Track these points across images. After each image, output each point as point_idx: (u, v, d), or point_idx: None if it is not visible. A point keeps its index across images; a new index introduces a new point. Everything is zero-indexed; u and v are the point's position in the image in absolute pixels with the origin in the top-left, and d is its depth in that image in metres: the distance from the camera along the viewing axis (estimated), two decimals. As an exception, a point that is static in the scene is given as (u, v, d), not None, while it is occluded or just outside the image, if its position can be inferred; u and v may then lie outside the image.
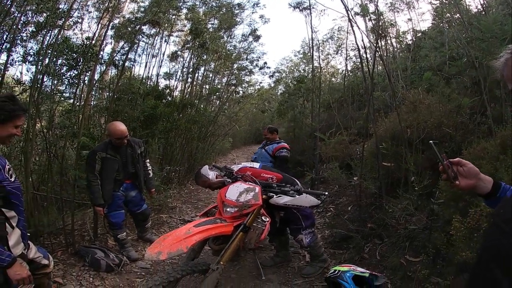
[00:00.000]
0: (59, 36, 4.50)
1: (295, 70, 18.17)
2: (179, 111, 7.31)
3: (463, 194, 2.69)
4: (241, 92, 10.51)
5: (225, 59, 9.23)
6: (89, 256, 3.51)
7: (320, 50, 9.95)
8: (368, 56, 7.46)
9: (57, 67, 4.20)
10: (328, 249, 3.91)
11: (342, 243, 3.96)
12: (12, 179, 1.84)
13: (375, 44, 4.67)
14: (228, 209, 2.51)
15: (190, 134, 7.85)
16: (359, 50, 4.61)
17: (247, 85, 11.42)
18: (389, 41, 9.27)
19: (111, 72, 7.48)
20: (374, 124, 4.47)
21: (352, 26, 4.59)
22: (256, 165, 3.39)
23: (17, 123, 1.84)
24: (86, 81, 5.28)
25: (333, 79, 11.86)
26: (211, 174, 3.22)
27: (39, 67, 3.87)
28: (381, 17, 7.43)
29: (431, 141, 1.25)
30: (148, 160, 4.11)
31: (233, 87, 10.02)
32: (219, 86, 9.99)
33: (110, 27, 6.38)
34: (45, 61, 3.94)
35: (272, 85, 13.07)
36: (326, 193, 2.79)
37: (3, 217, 1.79)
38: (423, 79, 4.90)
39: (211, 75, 9.51)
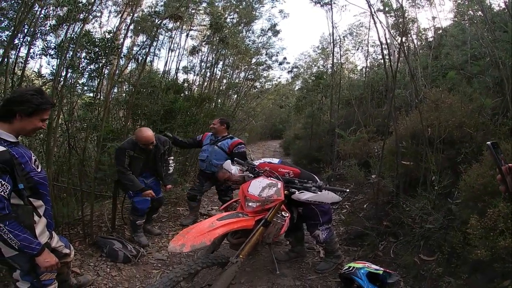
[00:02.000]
0: (81, 30, 4.62)
1: (313, 65, 18.05)
2: (197, 106, 7.38)
3: (482, 195, 2.67)
4: (258, 86, 10.48)
5: (244, 54, 9.24)
6: (107, 247, 3.57)
7: (339, 46, 9.84)
8: (389, 52, 7.34)
9: (78, 61, 4.29)
10: (342, 245, 3.92)
11: (356, 240, 3.97)
12: (39, 170, 1.91)
13: (399, 42, 4.60)
14: (250, 204, 2.56)
15: (208, 128, 7.93)
16: (381, 47, 4.58)
17: (264, 80, 11.40)
18: (409, 38, 9.09)
19: (131, 66, 7.63)
20: (395, 122, 4.41)
21: (375, 23, 4.57)
22: (276, 160, 3.40)
23: (43, 117, 1.89)
24: (106, 75, 5.41)
25: (352, 75, 11.73)
26: (234, 169, 3.21)
27: (62, 60, 3.99)
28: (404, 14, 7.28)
29: (488, 142, 1.04)
30: (171, 157, 4.20)
31: (251, 82, 10.01)
32: (237, 81, 10.01)
33: (131, 21, 6.50)
34: (67, 54, 4.05)
35: (290, 80, 13.00)
36: (347, 190, 2.78)
37: (31, 206, 1.84)
38: (446, 78, 4.79)
39: (229, 70, 9.55)
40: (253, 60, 9.88)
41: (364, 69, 9.54)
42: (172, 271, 2.05)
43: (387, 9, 5.50)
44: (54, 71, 4.52)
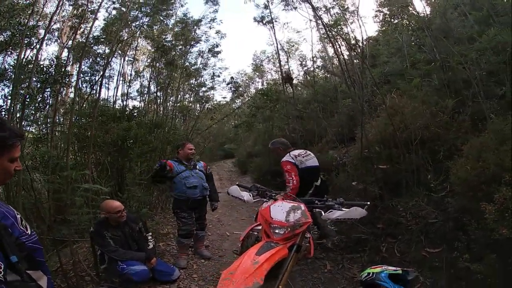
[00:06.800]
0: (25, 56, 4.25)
1: (250, 83, 18.49)
2: (151, 132, 7.02)
3: (478, 185, 2.93)
4: (207, 107, 10.32)
5: (190, 76, 9.13)
6: (103, 299, 3.13)
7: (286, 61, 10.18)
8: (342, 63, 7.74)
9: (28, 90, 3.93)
10: (344, 254, 3.96)
11: (356, 247, 4.02)
12: (29, 232, 1.40)
13: (360, 55, 4.91)
14: (277, 231, 2.36)
15: (165, 155, 7.57)
16: (340, 62, 4.84)
17: (212, 101, 11.30)
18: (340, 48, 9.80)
19: (72, 95, 7.08)
20: (363, 129, 4.62)
21: (332, 44, 4.83)
22: None
23: (13, 155, 1.31)
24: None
25: (300, 89, 12.14)
26: (246, 196, 2.94)
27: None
28: (339, 27, 7.83)
29: None
30: (150, 233, 3.92)
31: (203, 104, 9.84)
32: (186, 103, 9.81)
33: (77, 47, 6.12)
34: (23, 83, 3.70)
35: (234, 99, 13.09)
36: (368, 202, 2.62)
37: (34, 283, 1.34)
38: (412, 85, 5.18)
39: (178, 93, 9.31)
40: (199, 81, 9.74)
41: (312, 82, 9.80)
42: None
43: (336, 27, 5.81)
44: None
